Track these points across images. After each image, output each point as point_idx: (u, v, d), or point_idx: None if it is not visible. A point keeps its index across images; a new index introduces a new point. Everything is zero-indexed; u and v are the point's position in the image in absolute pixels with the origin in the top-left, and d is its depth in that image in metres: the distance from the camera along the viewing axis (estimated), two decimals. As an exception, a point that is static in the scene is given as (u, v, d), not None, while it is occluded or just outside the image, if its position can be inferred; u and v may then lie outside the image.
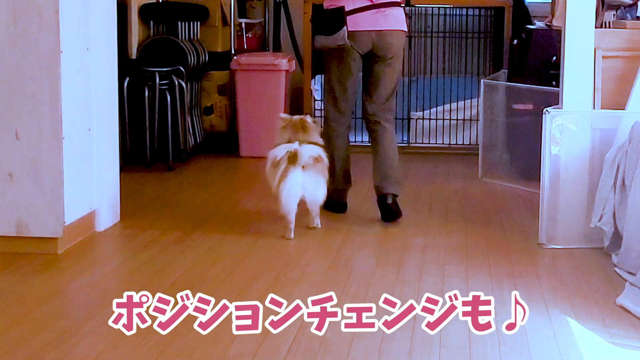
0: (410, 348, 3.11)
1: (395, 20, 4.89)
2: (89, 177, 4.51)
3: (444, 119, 7.08)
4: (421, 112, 7.13)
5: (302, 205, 4.66)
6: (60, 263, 4.07)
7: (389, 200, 4.85)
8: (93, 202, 4.54)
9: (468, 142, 7.01)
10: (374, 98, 4.95)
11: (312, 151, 4.50)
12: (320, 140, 4.72)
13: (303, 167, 4.43)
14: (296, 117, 4.71)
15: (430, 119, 7.10)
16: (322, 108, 5.19)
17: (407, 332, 3.19)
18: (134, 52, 6.43)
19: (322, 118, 5.18)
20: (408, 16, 7.15)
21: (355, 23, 4.80)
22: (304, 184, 4.44)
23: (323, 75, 5.12)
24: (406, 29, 5.01)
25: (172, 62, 6.31)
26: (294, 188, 4.42)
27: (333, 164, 4.97)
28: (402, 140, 7.14)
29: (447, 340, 3.17)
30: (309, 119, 4.70)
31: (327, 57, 4.97)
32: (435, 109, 7.13)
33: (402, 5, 4.99)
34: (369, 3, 4.83)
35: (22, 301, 3.57)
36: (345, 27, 4.77)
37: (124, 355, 3.03)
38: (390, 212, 4.84)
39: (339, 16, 4.77)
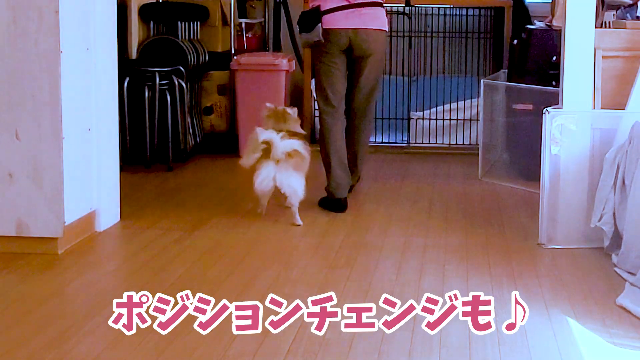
0: (410, 348, 3.11)
1: (372, 19, 5.18)
2: (89, 177, 4.51)
3: (444, 119, 7.09)
4: (421, 112, 7.13)
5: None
6: (60, 263, 4.07)
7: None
8: (93, 202, 4.54)
9: (468, 142, 7.01)
10: (356, 91, 5.30)
11: (287, 146, 4.71)
12: (301, 131, 5.04)
13: (277, 161, 4.67)
14: (280, 107, 5.09)
15: (430, 119, 7.10)
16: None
17: (407, 332, 3.19)
18: (134, 52, 6.43)
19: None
20: (408, 16, 7.19)
21: (331, 21, 5.13)
22: (276, 177, 4.68)
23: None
24: (385, 28, 5.28)
25: (172, 62, 6.31)
26: (265, 180, 4.69)
27: (329, 160, 5.11)
28: (402, 140, 7.15)
29: (447, 340, 3.17)
30: (289, 110, 5.05)
31: (313, 55, 5.40)
32: (435, 109, 7.13)
33: (383, 4, 5.26)
34: (346, 3, 5.13)
35: (22, 301, 3.57)
36: (319, 25, 5.10)
37: (124, 355, 3.03)
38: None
39: (315, 15, 5.12)
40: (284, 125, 4.92)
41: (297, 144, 4.77)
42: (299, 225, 4.73)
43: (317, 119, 6.95)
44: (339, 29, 5.12)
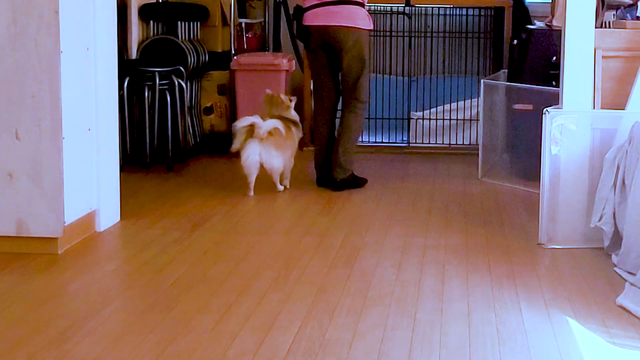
0: (410, 348, 3.11)
1: (343, 17, 5.50)
2: (89, 177, 4.51)
3: (444, 119, 7.08)
4: (421, 112, 7.13)
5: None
6: (60, 263, 4.07)
7: (335, 186, 5.58)
8: (93, 202, 4.54)
9: (468, 142, 7.01)
10: (342, 84, 5.70)
11: (269, 125, 5.27)
12: (293, 115, 5.59)
13: (262, 139, 5.22)
14: (276, 94, 5.61)
15: (430, 119, 7.10)
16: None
17: (407, 332, 3.19)
18: (134, 52, 6.43)
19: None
20: (408, 16, 7.18)
21: (308, 19, 5.57)
22: (261, 154, 5.27)
23: None
24: (359, 25, 5.52)
25: (172, 62, 6.31)
26: (252, 157, 5.27)
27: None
28: (402, 140, 7.15)
29: (447, 340, 3.17)
30: (283, 96, 5.59)
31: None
32: (435, 109, 7.13)
33: (360, 3, 5.54)
34: (318, 2, 5.51)
35: (22, 301, 3.57)
36: (295, 22, 5.66)
37: (124, 355, 3.03)
38: (336, 188, 5.59)
39: (298, 13, 5.63)
40: (276, 110, 5.51)
41: (277, 123, 5.33)
42: (279, 191, 5.43)
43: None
44: (314, 25, 5.54)
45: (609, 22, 4.76)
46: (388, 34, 7.34)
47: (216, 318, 3.35)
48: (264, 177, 5.42)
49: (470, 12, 7.36)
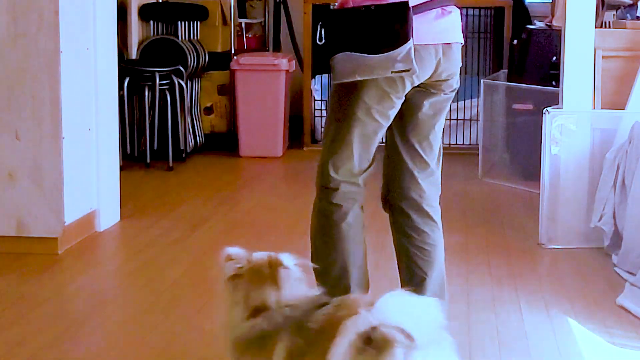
0: (410, 348, 3.11)
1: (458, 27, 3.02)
2: (89, 177, 4.51)
3: (444, 119, 7.08)
4: (421, 112, 7.12)
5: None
6: (60, 263, 4.07)
7: None
8: (93, 202, 4.54)
9: (468, 142, 7.01)
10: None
11: None
12: None
13: None
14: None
15: (430, 119, 7.09)
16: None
17: (407, 332, 3.18)
18: (134, 52, 6.43)
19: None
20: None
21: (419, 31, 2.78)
22: None
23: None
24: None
25: (172, 62, 6.31)
26: None
27: None
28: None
29: (447, 340, 3.17)
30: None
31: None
32: (435, 109, 7.12)
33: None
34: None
35: (22, 301, 3.57)
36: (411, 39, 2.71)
37: (124, 355, 3.03)
38: None
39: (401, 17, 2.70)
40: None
41: None
42: None
43: (317, 119, 6.98)
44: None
45: (609, 22, 4.76)
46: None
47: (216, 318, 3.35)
48: (262, 177, 5.41)
49: (470, 12, 7.35)
